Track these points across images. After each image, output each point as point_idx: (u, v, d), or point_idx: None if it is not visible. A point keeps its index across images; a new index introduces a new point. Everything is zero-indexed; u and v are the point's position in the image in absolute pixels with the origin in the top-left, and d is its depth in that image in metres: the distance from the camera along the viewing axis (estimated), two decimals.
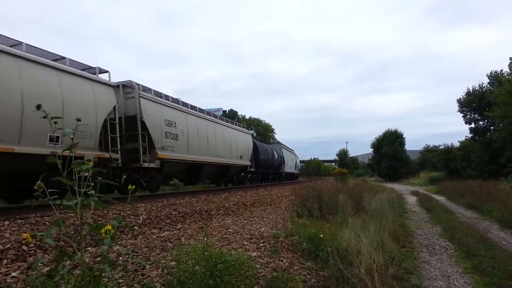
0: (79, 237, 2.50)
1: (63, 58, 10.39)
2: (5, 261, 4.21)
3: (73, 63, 10.65)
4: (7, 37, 9.14)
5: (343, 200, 10.45)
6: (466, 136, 36.68)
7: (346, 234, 6.55)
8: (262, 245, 6.42)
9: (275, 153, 30.75)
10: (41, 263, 3.63)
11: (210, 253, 3.79)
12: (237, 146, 20.93)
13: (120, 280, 3.82)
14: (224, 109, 60.59)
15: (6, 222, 5.92)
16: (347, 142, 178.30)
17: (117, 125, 11.44)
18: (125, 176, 11.60)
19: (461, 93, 37.49)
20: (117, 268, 3.83)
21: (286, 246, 6.56)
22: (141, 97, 12.57)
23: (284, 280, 4.39)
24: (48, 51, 9.97)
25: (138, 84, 12.91)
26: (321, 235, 6.54)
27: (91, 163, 2.50)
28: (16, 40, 9.26)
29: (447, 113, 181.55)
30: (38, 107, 2.53)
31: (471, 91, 33.43)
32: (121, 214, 7.33)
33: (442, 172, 40.93)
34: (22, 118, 8.18)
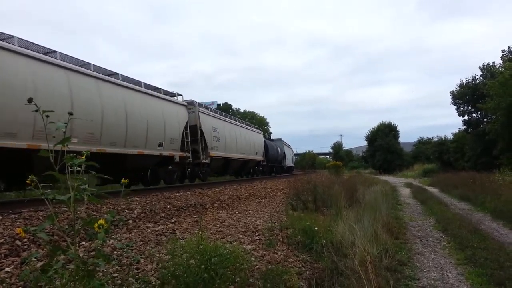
0: (72, 232, 2.48)
1: (159, 88, 14.91)
2: None
3: (165, 91, 15.39)
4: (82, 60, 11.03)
5: (338, 192, 10.50)
6: (460, 128, 36.78)
7: (340, 227, 6.58)
8: (257, 238, 6.44)
9: (279, 149, 35.19)
10: (34, 257, 3.61)
11: (204, 247, 3.79)
12: (254, 144, 25.71)
13: (115, 275, 3.81)
14: (218, 102, 60.41)
15: None
16: (341, 135, 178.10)
17: (188, 133, 15.83)
18: (189, 169, 16.36)
19: (454, 85, 37.54)
20: (112, 263, 3.83)
21: (281, 239, 6.58)
22: (199, 111, 17.19)
23: (279, 272, 4.40)
24: (148, 84, 14.24)
25: (196, 102, 17.48)
26: (316, 228, 6.57)
27: (82, 157, 2.48)
28: (113, 72, 12.38)
29: (440, 106, 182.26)
30: (30, 100, 2.48)
31: (464, 83, 33.53)
32: (115, 208, 7.31)
33: (436, 164, 41.17)
34: (147, 133, 12.86)
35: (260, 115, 69.12)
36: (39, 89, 8.73)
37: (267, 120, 69.62)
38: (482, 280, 5.15)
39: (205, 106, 19.10)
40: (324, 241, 5.91)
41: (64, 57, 10.20)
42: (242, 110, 65.90)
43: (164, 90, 15.18)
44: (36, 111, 2.21)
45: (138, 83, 13.40)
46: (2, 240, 4.58)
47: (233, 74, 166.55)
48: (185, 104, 16.56)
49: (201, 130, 16.84)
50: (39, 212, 6.51)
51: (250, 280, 4.15)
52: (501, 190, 12.92)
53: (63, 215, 5.76)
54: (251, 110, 68.75)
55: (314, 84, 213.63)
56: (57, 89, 9.28)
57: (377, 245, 5.71)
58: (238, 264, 3.86)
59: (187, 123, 15.82)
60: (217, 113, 20.50)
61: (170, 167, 14.78)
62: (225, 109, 51.53)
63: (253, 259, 4.90)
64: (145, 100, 13.18)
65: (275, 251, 5.78)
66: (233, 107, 63.86)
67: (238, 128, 23.13)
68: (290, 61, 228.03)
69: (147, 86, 13.95)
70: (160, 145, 13.64)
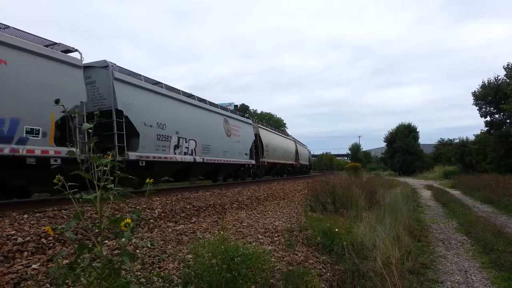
0: (97, 230, 2.52)
1: (286, 130, 49.36)
2: (25, 253, 4.29)
3: (285, 133, 38.62)
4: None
5: (357, 194, 10.39)
6: (482, 130, 36.07)
7: (361, 228, 6.51)
8: (276, 239, 6.42)
9: (308, 154, 50.35)
10: (61, 256, 3.68)
11: (226, 247, 3.80)
12: (307, 155, 45.34)
13: (138, 273, 3.86)
14: (235, 104, 60.50)
15: (25, 216, 6.03)
16: (359, 136, 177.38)
17: (295, 153, 35.36)
18: (290, 168, 33.70)
19: (476, 86, 36.76)
20: (136, 261, 3.87)
21: (301, 240, 6.54)
22: (296, 142, 36.72)
23: (300, 273, 4.38)
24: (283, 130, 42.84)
25: (295, 138, 38.21)
26: (336, 229, 6.52)
27: (110, 157, 2.53)
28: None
29: (462, 107, 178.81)
30: (57, 101, 2.54)
31: (487, 83, 32.80)
32: (137, 207, 7.40)
33: (457, 166, 40.36)
34: (290, 154, 32.64)
35: (277, 116, 69.05)
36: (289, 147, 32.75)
37: (284, 122, 69.53)
38: (509, 285, 5.03)
39: (298, 141, 40.31)
40: (345, 242, 5.85)
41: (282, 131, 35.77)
42: (259, 112, 65.89)
43: (285, 132, 37.33)
44: None
45: (283, 131, 39.09)
46: (29, 238, 4.69)
47: (252, 76, 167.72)
48: (294, 139, 36.14)
49: (298, 152, 35.62)
50: (63, 211, 6.64)
51: (271, 281, 4.14)
52: None
53: (86, 214, 5.87)
54: (268, 111, 68.79)
55: (333, 86, 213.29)
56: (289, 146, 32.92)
57: (399, 247, 5.62)
58: (259, 265, 3.85)
59: (296, 149, 35.18)
60: (298, 141, 40.13)
61: (289, 168, 33.12)
62: (242, 111, 51.53)
63: (273, 259, 4.90)
64: (287, 140, 32.83)
65: (295, 252, 5.75)
66: (250, 108, 63.93)
67: (305, 149, 43.61)
68: (310, 63, 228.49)
69: (284, 132, 36.90)
70: (291, 159, 32.82)
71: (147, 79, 12.62)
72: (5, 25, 8.39)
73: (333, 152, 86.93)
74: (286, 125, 69.19)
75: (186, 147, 13.81)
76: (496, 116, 32.54)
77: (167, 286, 3.52)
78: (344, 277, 4.89)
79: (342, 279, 4.84)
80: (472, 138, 39.85)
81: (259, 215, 8.86)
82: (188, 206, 8.55)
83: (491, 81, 32.54)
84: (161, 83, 13.38)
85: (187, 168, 14.66)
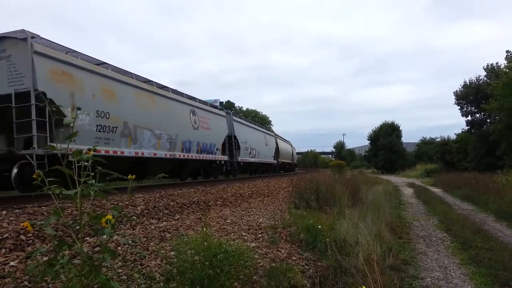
0: (78, 227, 2.48)
1: (272, 128, 50.13)
2: (3, 250, 4.19)
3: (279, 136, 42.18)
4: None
5: (341, 191, 10.47)
6: (463, 129, 36.69)
7: (344, 225, 6.57)
8: (260, 235, 6.44)
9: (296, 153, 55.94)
10: (40, 252, 3.61)
11: (209, 244, 3.79)
12: (295, 154, 49.30)
13: (119, 270, 3.81)
14: (221, 101, 60.28)
15: (4, 212, 5.89)
16: (344, 134, 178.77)
17: (292, 154, 46.36)
18: (287, 166, 42.66)
19: (458, 86, 37.38)
20: (117, 258, 3.82)
21: (284, 237, 6.57)
22: (291, 145, 46.83)
23: (282, 270, 4.40)
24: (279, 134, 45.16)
25: (290, 143, 46.91)
26: (319, 226, 6.56)
27: (90, 153, 2.48)
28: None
29: (444, 106, 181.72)
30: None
31: (468, 83, 33.39)
32: (119, 204, 7.30)
33: (438, 164, 41.06)
34: (288, 155, 41.83)
35: (263, 113, 69.06)
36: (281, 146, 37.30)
37: (269, 119, 69.56)
38: (486, 280, 5.14)
39: (292, 144, 47.54)
40: (328, 239, 5.90)
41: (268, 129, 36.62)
42: (244, 109, 65.81)
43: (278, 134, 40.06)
44: None
45: (280, 137, 39.45)
46: (7, 234, 4.58)
47: (240, 73, 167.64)
48: (290, 143, 43.26)
49: (293, 152, 42.98)
50: (43, 207, 6.51)
51: (254, 277, 4.15)
52: (505, 191, 12.87)
53: (67, 210, 5.77)
54: (254, 108, 68.82)
55: (319, 84, 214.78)
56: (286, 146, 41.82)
57: (380, 244, 5.69)
58: (242, 262, 3.85)
59: (292, 150, 43.48)
60: (292, 145, 47.02)
61: (287, 166, 39.33)
62: (228, 107, 51.36)
63: (256, 256, 4.90)
64: (287, 145, 41.70)
65: (279, 249, 5.78)
66: (235, 105, 63.79)
67: (294, 149, 48.53)
68: (297, 60, 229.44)
69: (274, 133, 36.16)
70: (290, 158, 41.51)
71: (239, 116, 24.98)
72: (164, 85, 14.85)
73: (318, 149, 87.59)
74: (271, 123, 69.19)
75: (253, 153, 24.57)
76: (477, 115, 33.16)
77: (149, 283, 3.49)
78: (327, 273, 4.93)
79: (324, 276, 4.88)
80: (453, 137, 40.61)
81: (243, 212, 8.86)
82: (172, 203, 8.49)
83: (473, 81, 33.15)
84: (241, 115, 25.40)
85: (251, 166, 25.81)
